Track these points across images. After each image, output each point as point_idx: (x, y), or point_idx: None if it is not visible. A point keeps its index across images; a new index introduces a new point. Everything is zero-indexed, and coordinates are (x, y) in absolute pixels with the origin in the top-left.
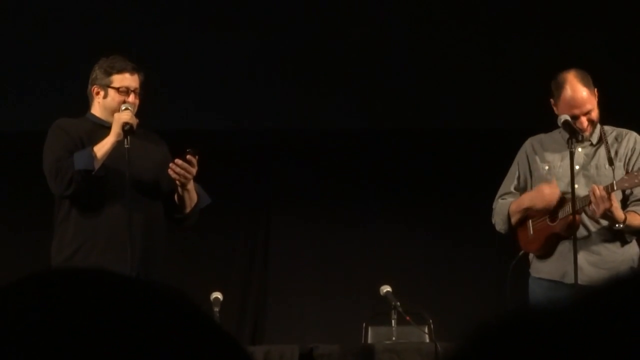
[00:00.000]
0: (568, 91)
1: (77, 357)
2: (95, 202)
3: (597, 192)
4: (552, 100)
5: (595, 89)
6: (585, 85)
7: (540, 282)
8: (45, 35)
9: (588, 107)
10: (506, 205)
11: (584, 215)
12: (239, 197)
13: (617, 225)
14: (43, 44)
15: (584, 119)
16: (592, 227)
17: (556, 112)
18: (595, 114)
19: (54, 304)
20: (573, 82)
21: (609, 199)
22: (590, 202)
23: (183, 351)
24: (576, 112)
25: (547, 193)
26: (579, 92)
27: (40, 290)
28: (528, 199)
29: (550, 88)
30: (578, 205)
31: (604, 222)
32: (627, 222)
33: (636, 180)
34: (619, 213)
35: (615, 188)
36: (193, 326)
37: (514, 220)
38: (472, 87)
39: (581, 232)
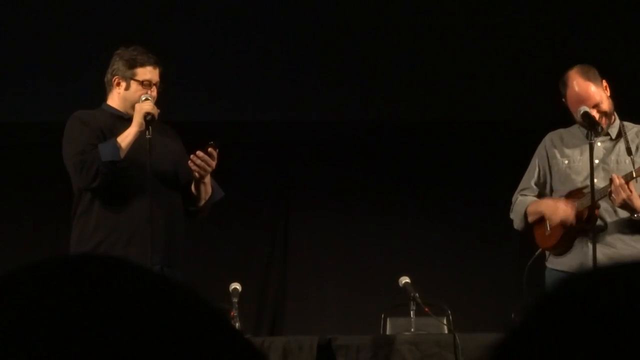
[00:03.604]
0: (573, 88)
1: (84, 344)
2: (118, 194)
3: (617, 180)
4: (563, 100)
5: (604, 81)
6: (590, 79)
7: (557, 273)
8: (58, 27)
9: (595, 99)
10: (524, 204)
11: (601, 208)
12: (259, 188)
13: (635, 215)
14: (55, 36)
15: (594, 112)
16: (609, 219)
17: (570, 110)
18: (606, 106)
19: (71, 289)
20: (576, 78)
21: (628, 187)
22: (609, 193)
23: (190, 347)
24: (582, 107)
25: (562, 211)
26: (583, 87)
27: (59, 274)
28: (544, 207)
29: (559, 88)
30: (596, 196)
31: (622, 214)
32: None
33: None
34: (638, 202)
35: (634, 176)
36: (203, 324)
37: (530, 219)
38: (492, 79)
39: (597, 224)
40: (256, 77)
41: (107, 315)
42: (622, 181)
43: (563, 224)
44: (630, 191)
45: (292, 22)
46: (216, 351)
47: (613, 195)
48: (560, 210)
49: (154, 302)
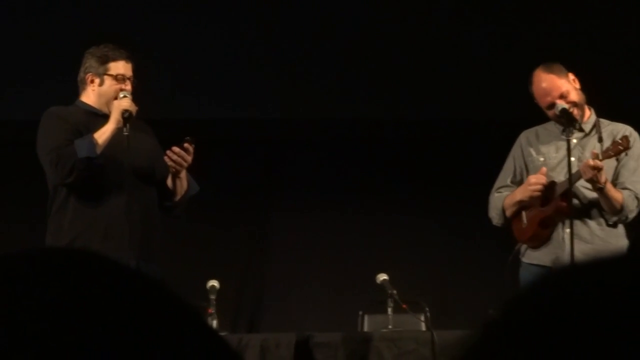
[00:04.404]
0: (538, 83)
1: (52, 337)
2: (94, 190)
3: (585, 162)
4: (535, 101)
5: (570, 74)
6: (552, 72)
7: (531, 267)
8: (37, 24)
9: (561, 89)
10: (501, 199)
11: (578, 203)
12: (239, 185)
13: (598, 187)
14: (33, 33)
15: (563, 102)
16: (585, 215)
17: (542, 108)
18: (574, 96)
19: (43, 282)
20: (539, 74)
21: (597, 165)
22: (580, 178)
23: (163, 345)
24: (549, 99)
25: (533, 182)
26: (546, 80)
27: (32, 267)
28: (520, 192)
29: (529, 90)
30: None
31: (597, 209)
32: (607, 187)
33: (620, 147)
34: (604, 176)
35: (601, 158)
36: (176, 321)
37: (508, 213)
38: (471, 79)
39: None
40: (237, 74)
41: (78, 310)
42: (591, 162)
43: (547, 189)
44: (599, 166)
45: (275, 19)
46: (189, 349)
47: (581, 169)
48: (531, 181)
49: (127, 297)
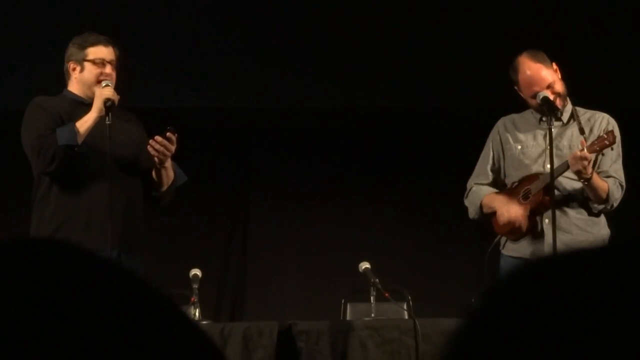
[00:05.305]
0: (524, 72)
1: (25, 328)
2: (76, 180)
3: (574, 153)
4: (515, 87)
5: (554, 64)
6: (539, 61)
7: (511, 260)
8: (21, 13)
9: (547, 80)
10: (479, 196)
11: (556, 193)
12: (219, 175)
13: (585, 177)
14: (19, 22)
15: (548, 93)
16: (564, 204)
17: (523, 96)
18: (559, 87)
19: (21, 274)
20: (526, 62)
21: (586, 156)
22: (566, 169)
23: (140, 337)
24: (536, 89)
25: (514, 212)
26: (534, 70)
27: (9, 258)
28: (498, 204)
29: (510, 76)
30: (555, 173)
31: (576, 199)
32: (593, 178)
33: (606, 142)
34: (590, 169)
35: (587, 152)
36: (152, 312)
37: (486, 210)
38: (445, 66)
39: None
40: (215, 63)
41: (53, 302)
42: (578, 154)
43: (513, 220)
44: (588, 158)
45: (252, 8)
46: (168, 341)
47: (570, 160)
48: (512, 212)
49: (104, 290)
